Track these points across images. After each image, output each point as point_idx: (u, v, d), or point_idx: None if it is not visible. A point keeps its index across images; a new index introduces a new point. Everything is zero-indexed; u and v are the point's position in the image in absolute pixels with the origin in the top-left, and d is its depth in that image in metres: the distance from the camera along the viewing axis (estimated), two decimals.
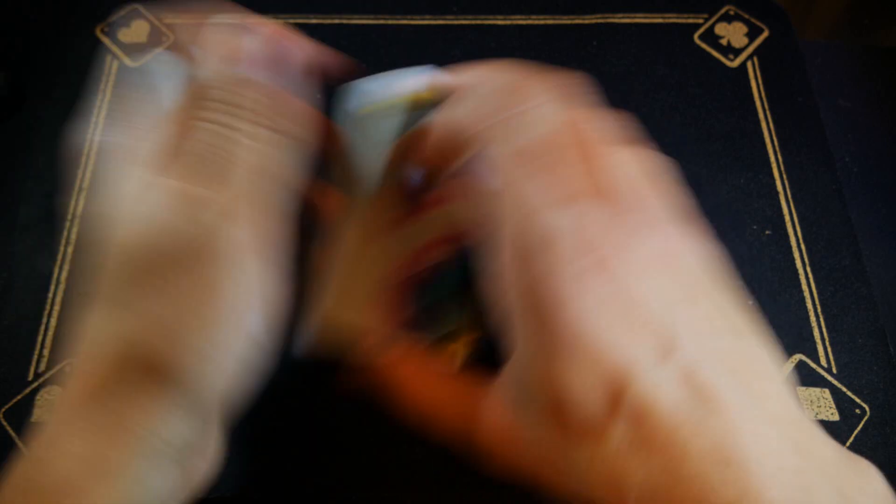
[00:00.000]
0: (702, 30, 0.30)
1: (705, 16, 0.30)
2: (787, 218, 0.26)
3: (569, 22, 0.30)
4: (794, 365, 0.23)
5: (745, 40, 0.29)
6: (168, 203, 0.15)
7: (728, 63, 0.29)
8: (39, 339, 0.23)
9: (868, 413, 0.22)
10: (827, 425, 0.22)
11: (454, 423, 0.16)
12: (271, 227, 0.16)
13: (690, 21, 0.30)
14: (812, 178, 0.26)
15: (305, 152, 0.17)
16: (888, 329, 0.24)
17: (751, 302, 0.24)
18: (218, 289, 0.14)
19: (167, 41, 0.29)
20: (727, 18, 0.30)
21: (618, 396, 0.12)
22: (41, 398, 0.22)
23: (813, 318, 0.24)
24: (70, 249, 0.25)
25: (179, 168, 0.15)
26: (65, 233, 0.25)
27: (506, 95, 0.16)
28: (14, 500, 0.13)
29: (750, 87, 0.28)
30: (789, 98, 0.28)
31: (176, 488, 0.14)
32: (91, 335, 0.14)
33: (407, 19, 0.30)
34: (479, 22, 0.30)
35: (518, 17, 0.30)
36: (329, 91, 0.21)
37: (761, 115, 0.28)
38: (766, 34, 0.29)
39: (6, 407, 0.22)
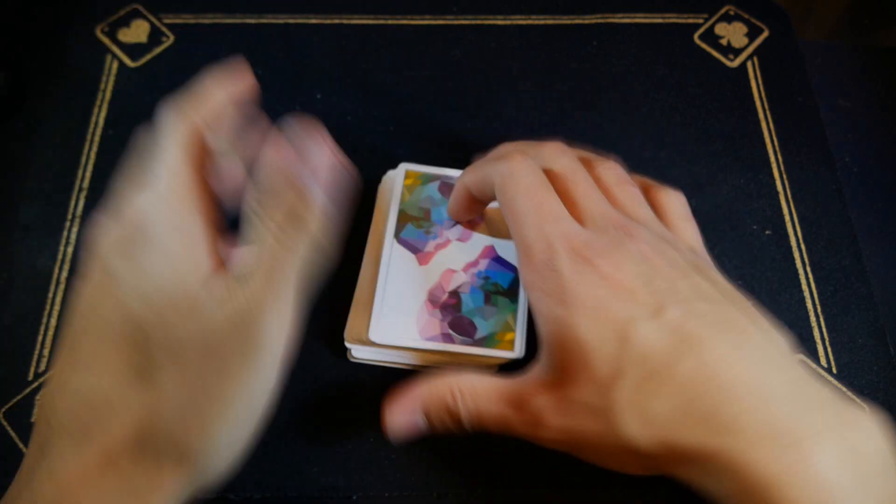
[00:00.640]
0: (702, 30, 0.30)
1: (705, 16, 0.30)
2: (787, 218, 0.26)
3: (569, 22, 0.30)
4: None
5: (745, 40, 0.29)
6: (208, 286, 0.16)
7: (728, 63, 0.29)
8: (39, 339, 0.23)
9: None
10: None
11: (513, 425, 0.18)
12: (296, 317, 0.17)
13: (690, 21, 0.30)
14: (812, 178, 0.26)
15: (323, 249, 0.18)
16: (888, 329, 0.24)
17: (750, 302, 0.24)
18: (240, 379, 0.15)
19: (167, 41, 0.29)
20: (727, 18, 0.30)
21: (623, 342, 0.16)
22: (41, 398, 0.22)
23: (813, 318, 0.24)
24: (70, 249, 0.25)
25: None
26: (65, 233, 0.25)
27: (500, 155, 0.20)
28: None
29: (750, 87, 0.28)
30: (789, 98, 0.28)
31: None
32: (107, 403, 0.15)
33: (407, 19, 0.30)
34: (479, 22, 0.30)
35: (518, 17, 0.30)
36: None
37: (761, 115, 0.28)
38: (766, 34, 0.30)
39: (6, 407, 0.22)
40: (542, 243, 0.18)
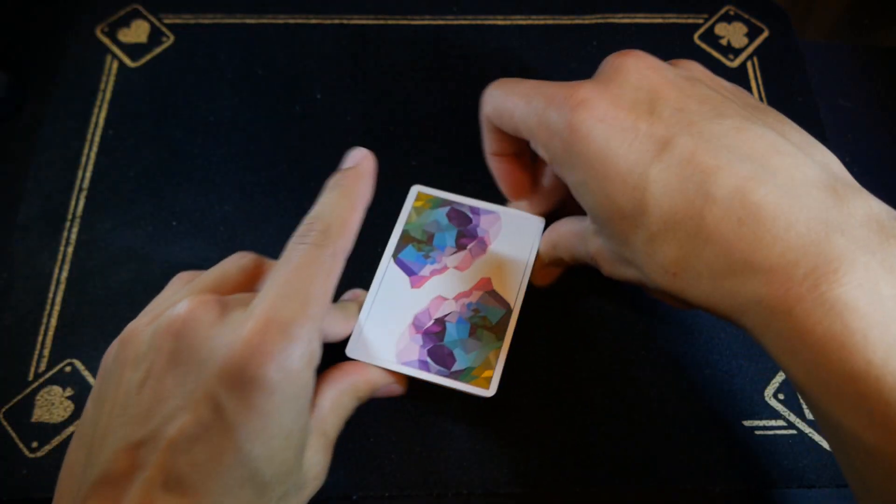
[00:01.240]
0: (702, 30, 0.30)
1: (705, 16, 0.30)
2: None
3: (569, 22, 0.30)
4: None
5: (745, 40, 0.29)
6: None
7: (728, 63, 0.29)
8: (39, 339, 0.23)
9: None
10: None
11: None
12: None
13: (690, 21, 0.30)
14: None
15: None
16: None
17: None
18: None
19: (167, 41, 0.29)
20: (727, 18, 0.30)
21: (639, 194, 0.16)
22: (41, 398, 0.22)
23: None
24: (70, 249, 0.25)
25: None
26: (65, 233, 0.25)
27: None
28: None
29: (750, 88, 0.28)
30: (789, 98, 0.28)
31: None
32: None
33: (407, 19, 0.30)
34: (479, 22, 0.30)
35: (518, 17, 0.30)
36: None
37: None
38: (766, 34, 0.30)
39: (6, 407, 0.22)
40: (538, 102, 0.18)
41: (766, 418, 0.22)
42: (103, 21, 0.30)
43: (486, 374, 0.21)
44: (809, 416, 0.22)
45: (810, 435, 0.22)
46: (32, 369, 0.23)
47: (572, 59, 0.29)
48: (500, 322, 0.22)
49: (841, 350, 0.13)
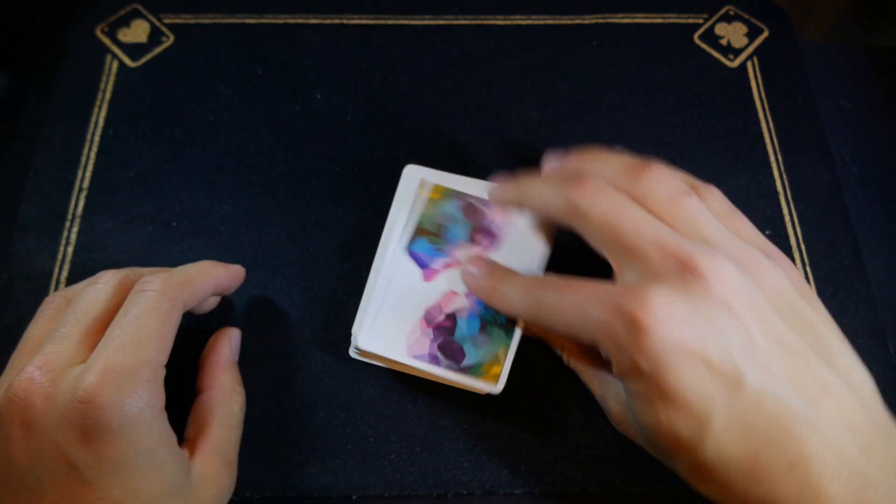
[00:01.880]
0: (702, 30, 0.30)
1: (705, 16, 0.30)
2: (786, 218, 0.26)
3: (569, 22, 0.30)
4: None
5: (745, 40, 0.29)
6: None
7: (728, 63, 0.29)
8: None
9: None
10: None
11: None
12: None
13: (690, 21, 0.30)
14: (812, 179, 0.27)
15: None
16: (888, 329, 0.24)
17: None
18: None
19: (167, 41, 0.29)
20: (727, 18, 0.30)
21: (701, 432, 0.16)
22: None
23: None
24: (70, 250, 0.25)
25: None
26: (65, 233, 0.25)
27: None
28: None
29: (750, 88, 0.28)
30: (789, 98, 0.28)
31: None
32: None
33: (407, 19, 0.30)
34: (478, 22, 0.30)
35: (518, 17, 0.30)
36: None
37: (761, 116, 0.28)
38: (766, 34, 0.30)
39: None
40: (598, 313, 0.17)
41: None
42: (103, 21, 0.30)
43: (495, 370, 0.21)
44: None
45: None
46: None
47: (572, 59, 0.29)
48: (509, 319, 0.22)
49: None
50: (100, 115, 0.27)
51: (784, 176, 0.27)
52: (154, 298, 0.18)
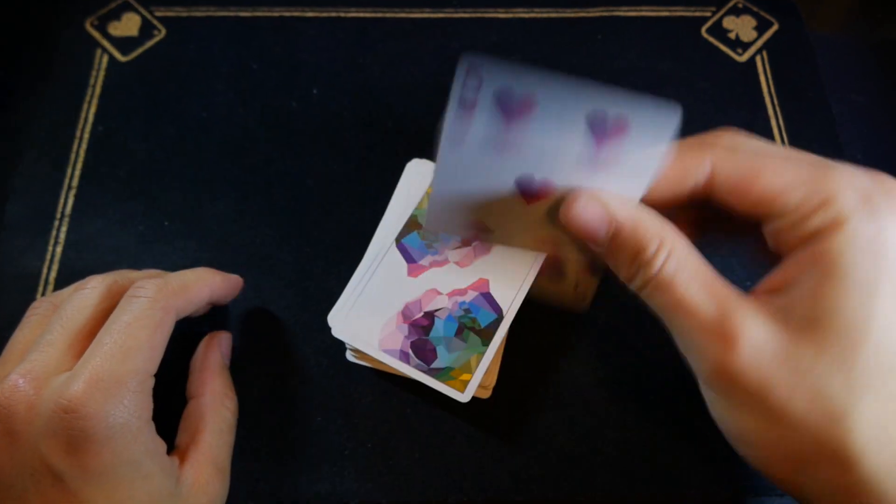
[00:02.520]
0: (709, 23, 0.30)
1: (713, 9, 0.30)
2: None
3: (573, 15, 0.30)
4: None
5: (754, 34, 0.29)
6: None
7: (736, 57, 0.29)
8: None
9: None
10: None
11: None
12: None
13: (697, 14, 0.30)
14: None
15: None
16: None
17: None
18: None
19: (159, 35, 0.29)
20: (735, 11, 0.30)
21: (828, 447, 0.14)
22: None
23: None
24: (59, 249, 0.25)
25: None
26: (53, 232, 0.25)
27: None
28: None
29: (759, 83, 0.28)
30: (800, 93, 0.28)
31: None
32: None
33: (405, 12, 0.30)
34: (479, 15, 0.30)
35: (520, 9, 0.30)
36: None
37: (770, 111, 0.28)
38: (775, 27, 0.29)
39: None
40: (858, 192, 0.15)
41: None
42: (93, 14, 0.29)
43: (465, 377, 0.20)
44: None
45: None
46: None
47: (575, 54, 0.29)
48: (488, 326, 0.21)
49: None
50: (89, 111, 0.27)
51: None
52: (146, 306, 0.18)
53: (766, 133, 0.27)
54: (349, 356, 0.22)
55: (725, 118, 0.27)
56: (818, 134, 0.27)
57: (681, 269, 0.16)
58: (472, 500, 0.21)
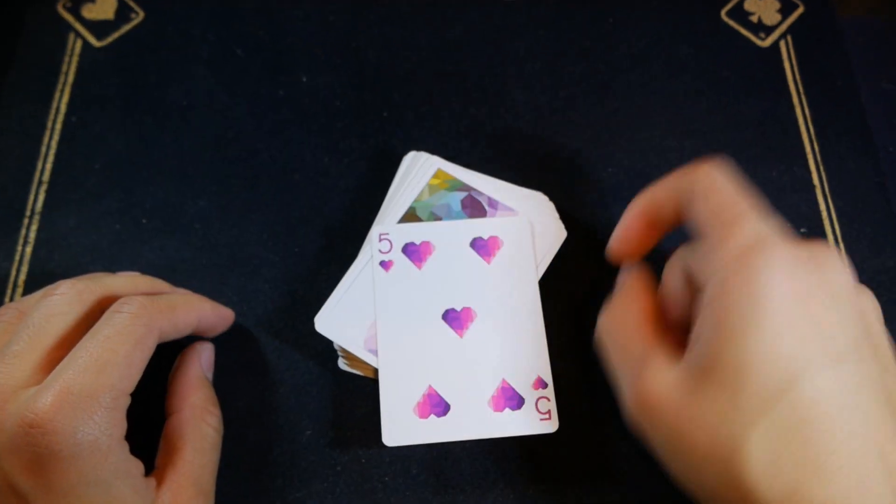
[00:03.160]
0: (729, 5, 0.29)
1: None
2: (824, 214, 0.25)
3: None
4: None
5: (778, 17, 0.29)
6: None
7: (759, 42, 0.28)
8: None
9: None
10: None
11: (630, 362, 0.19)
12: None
13: None
14: (852, 171, 0.26)
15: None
16: None
17: None
18: None
19: (136, 18, 0.28)
20: None
21: (792, 379, 0.15)
22: None
23: None
24: (28, 249, 0.24)
25: None
26: (23, 231, 0.25)
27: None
28: None
29: (783, 69, 0.28)
30: (827, 81, 0.27)
31: None
32: None
33: None
34: None
35: None
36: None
37: (795, 101, 0.27)
38: (801, 10, 0.29)
39: None
40: (740, 236, 0.17)
41: None
42: None
43: None
44: None
45: None
46: None
47: (585, 38, 0.28)
48: None
49: None
50: (61, 100, 0.27)
51: (821, 167, 0.26)
52: (128, 321, 0.18)
53: (791, 124, 0.27)
54: (341, 364, 0.22)
55: (746, 109, 0.27)
56: (846, 125, 0.27)
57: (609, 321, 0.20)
58: None
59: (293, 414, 0.22)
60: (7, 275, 0.24)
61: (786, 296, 0.16)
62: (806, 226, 0.25)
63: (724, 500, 0.16)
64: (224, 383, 0.22)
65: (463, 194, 0.23)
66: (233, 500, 0.21)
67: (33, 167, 0.25)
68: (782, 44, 0.28)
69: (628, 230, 0.21)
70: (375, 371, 0.21)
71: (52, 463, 0.16)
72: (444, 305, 0.21)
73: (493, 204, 0.23)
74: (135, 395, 0.18)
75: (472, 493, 0.21)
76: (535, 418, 0.20)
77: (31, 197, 0.25)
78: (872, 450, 0.15)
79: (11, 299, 0.23)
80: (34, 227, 0.24)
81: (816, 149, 0.26)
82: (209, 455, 0.20)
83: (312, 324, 0.22)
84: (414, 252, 0.22)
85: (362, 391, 0.22)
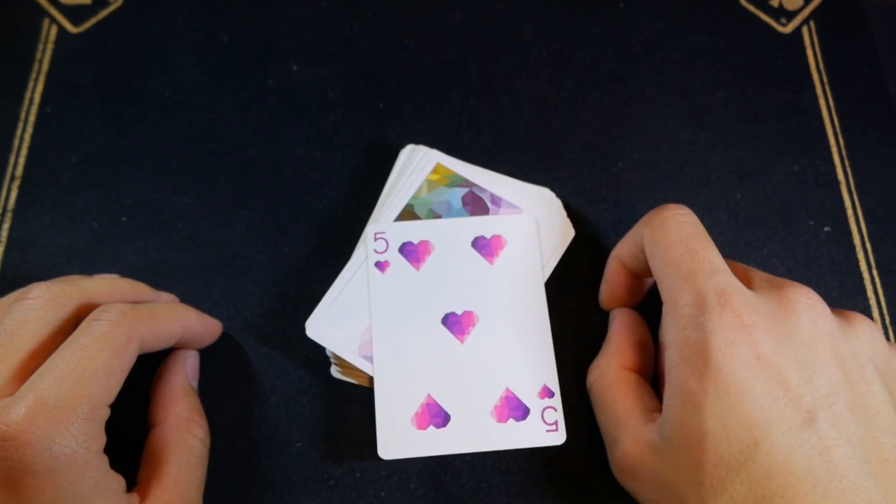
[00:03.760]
0: None
1: None
2: (849, 212, 0.25)
3: None
4: None
5: (800, 2, 0.28)
6: None
7: (780, 28, 0.28)
8: None
9: None
10: None
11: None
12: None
13: None
14: (879, 165, 0.25)
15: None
16: None
17: None
18: None
19: (115, 2, 0.28)
20: None
21: (752, 447, 0.16)
22: None
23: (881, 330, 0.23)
24: (0, 249, 0.24)
25: None
26: None
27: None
28: None
29: (805, 57, 0.27)
30: (853, 70, 0.27)
31: None
32: None
33: None
34: None
35: None
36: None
37: (819, 91, 0.27)
38: None
39: None
40: (691, 295, 0.17)
41: None
42: None
43: None
44: None
45: None
46: None
47: (595, 23, 0.28)
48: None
49: None
50: (35, 90, 0.26)
51: (846, 162, 0.26)
52: (107, 329, 0.18)
53: (814, 115, 0.26)
54: (334, 372, 0.22)
55: (766, 99, 0.26)
56: (873, 117, 0.26)
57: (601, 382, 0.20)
58: None
59: (283, 424, 0.21)
60: None
61: (742, 358, 0.16)
62: (830, 225, 0.24)
63: None
64: (210, 392, 0.22)
65: (464, 190, 0.22)
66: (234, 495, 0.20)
67: (5, 161, 0.25)
68: (805, 30, 0.28)
69: (611, 285, 0.22)
70: (370, 379, 0.21)
71: (26, 477, 0.15)
72: (443, 309, 0.21)
73: (496, 201, 0.22)
74: (115, 406, 0.18)
75: None
76: (541, 430, 0.20)
77: (3, 193, 0.25)
78: None
79: None
80: (6, 226, 0.24)
81: (841, 142, 0.26)
82: (195, 468, 0.19)
83: (303, 329, 0.22)
84: (411, 252, 0.21)
85: (356, 400, 0.22)
